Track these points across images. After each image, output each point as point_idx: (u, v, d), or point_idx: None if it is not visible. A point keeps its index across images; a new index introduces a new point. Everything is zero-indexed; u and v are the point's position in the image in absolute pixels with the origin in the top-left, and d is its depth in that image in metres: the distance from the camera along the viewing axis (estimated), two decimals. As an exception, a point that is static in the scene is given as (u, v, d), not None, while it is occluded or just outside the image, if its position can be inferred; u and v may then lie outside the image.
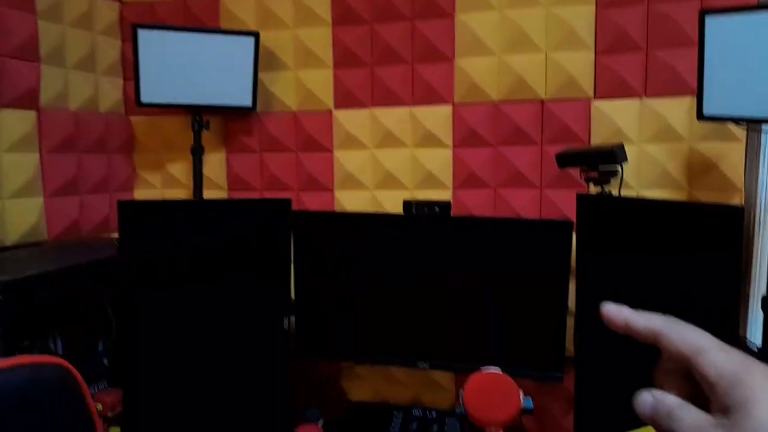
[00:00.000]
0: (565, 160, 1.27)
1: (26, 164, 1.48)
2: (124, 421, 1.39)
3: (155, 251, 1.31)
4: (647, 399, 0.40)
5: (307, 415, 1.54)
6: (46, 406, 0.55)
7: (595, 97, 1.47)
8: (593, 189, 1.30)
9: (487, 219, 1.42)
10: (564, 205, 1.49)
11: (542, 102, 1.51)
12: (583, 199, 1.22)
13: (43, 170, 1.53)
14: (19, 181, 1.46)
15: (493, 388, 0.82)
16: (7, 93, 1.41)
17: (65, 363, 0.58)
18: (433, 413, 1.41)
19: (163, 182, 1.85)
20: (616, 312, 0.42)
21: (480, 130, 1.55)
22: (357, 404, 1.58)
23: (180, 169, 1.82)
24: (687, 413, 0.38)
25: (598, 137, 1.47)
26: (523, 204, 1.54)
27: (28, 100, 1.47)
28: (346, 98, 1.65)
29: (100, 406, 1.35)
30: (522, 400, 0.81)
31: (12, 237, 1.46)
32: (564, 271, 1.28)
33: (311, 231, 1.41)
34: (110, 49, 1.75)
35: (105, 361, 1.45)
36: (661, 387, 0.41)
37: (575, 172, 1.41)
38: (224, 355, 1.36)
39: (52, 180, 1.55)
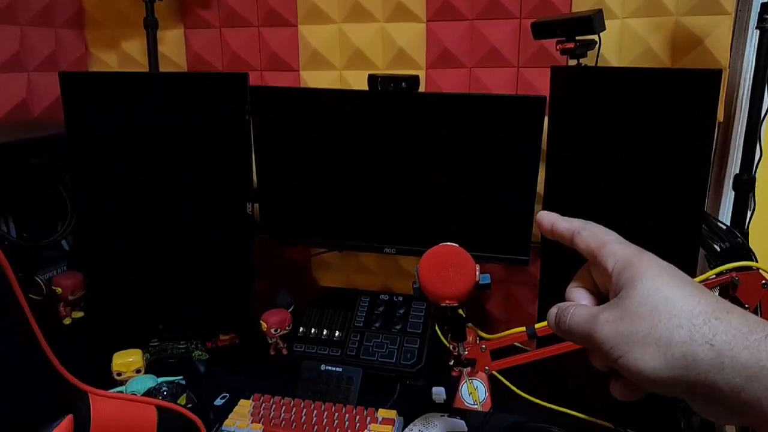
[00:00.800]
0: (540, 28, 1.18)
1: (-39, 35, 1.37)
2: (86, 305, 1.38)
3: (104, 128, 1.24)
4: (552, 311, 0.44)
5: (277, 300, 1.54)
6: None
7: (579, -35, 1.35)
8: (571, 63, 1.22)
9: (454, 95, 1.35)
10: (542, 86, 1.41)
11: (522, -30, 1.39)
12: (557, 72, 1.15)
13: (-19, 43, 1.41)
14: (-46, 54, 1.35)
15: (447, 261, 0.78)
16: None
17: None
18: (400, 297, 1.41)
19: (118, 61, 1.73)
20: (545, 216, 0.47)
21: (455, 2, 1.44)
22: (326, 290, 1.57)
23: (135, 47, 1.69)
24: (579, 309, 0.42)
25: (579, 10, 1.36)
26: (498, 85, 1.46)
27: (-47, -40, 1.33)
28: (310, -36, 1.51)
29: (59, 290, 1.33)
30: (478, 274, 0.77)
31: (-47, 115, 1.37)
32: (535, 151, 1.23)
33: (271, 110, 1.33)
34: None
35: (64, 244, 1.42)
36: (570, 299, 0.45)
37: (554, 50, 1.32)
38: (187, 240, 1.33)
39: (-7, 55, 1.44)
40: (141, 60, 1.69)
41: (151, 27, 1.52)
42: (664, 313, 0.35)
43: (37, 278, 1.29)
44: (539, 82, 1.43)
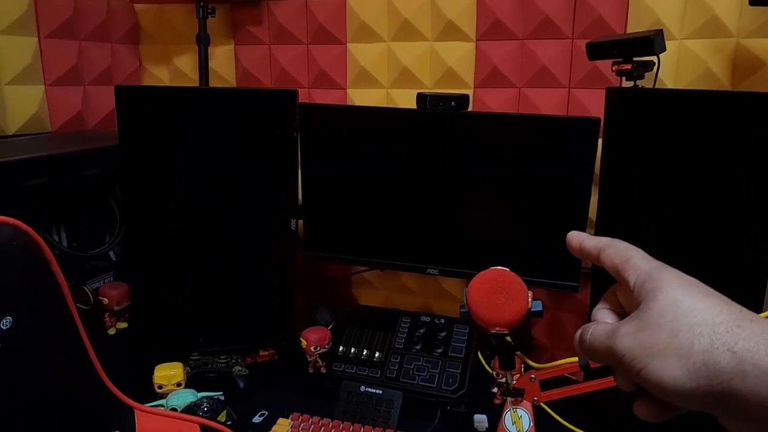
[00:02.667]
0: (596, 49, 1.14)
1: (24, 48, 1.41)
2: (130, 316, 1.39)
3: (155, 142, 1.25)
4: (577, 332, 0.44)
5: (317, 317, 1.53)
6: (4, 264, 0.51)
7: (635, -15, 1.32)
8: (626, 85, 1.18)
9: (505, 115, 1.32)
10: (594, 107, 1.38)
11: (576, -11, 1.36)
12: (613, 93, 1.11)
13: (42, 56, 1.46)
14: (17, 67, 1.40)
15: (498, 286, 0.75)
16: (-2, -32, 1.32)
17: (23, 225, 0.53)
18: (442, 320, 1.38)
19: (170, 76, 1.77)
20: (574, 235, 0.48)
21: (505, 21, 1.42)
22: (366, 309, 1.55)
23: (187, 62, 1.73)
24: (599, 325, 0.41)
25: (635, 31, 1.33)
26: (549, 105, 1.43)
27: (21, -22, 1.38)
28: (359, -17, 1.52)
29: (105, 300, 1.35)
30: (530, 301, 0.74)
31: (13, 126, 1.41)
32: (587, 174, 1.19)
33: (319, 127, 1.33)
34: (110, -73, 1.63)
35: (112, 255, 1.44)
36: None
37: (608, 71, 1.29)
38: (231, 254, 1.33)
39: (53, 68, 1.48)
40: (192, 75, 1.72)
41: (203, 43, 1.55)
42: (685, 322, 0.35)
43: (84, 288, 1.31)
44: (591, 103, 1.39)
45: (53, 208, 1.24)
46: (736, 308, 0.36)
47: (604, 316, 0.45)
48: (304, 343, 1.33)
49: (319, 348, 1.34)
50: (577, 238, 0.47)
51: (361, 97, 1.59)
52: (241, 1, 1.61)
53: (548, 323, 1.53)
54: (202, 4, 1.52)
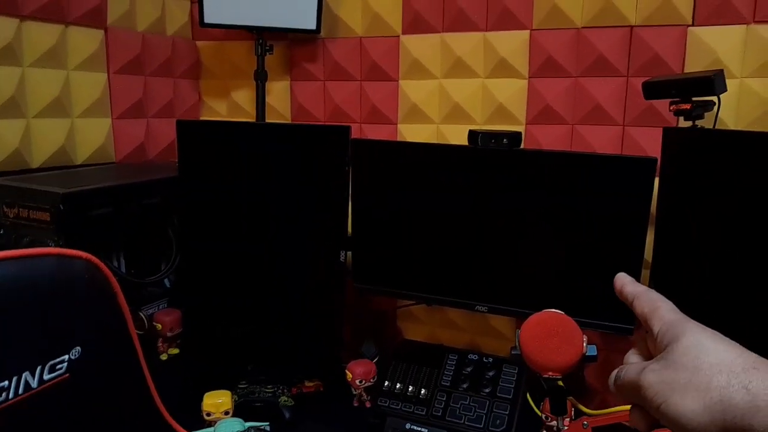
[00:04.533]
0: (653, 88, 1.13)
1: (95, 84, 1.50)
2: (182, 343, 1.43)
3: (212, 174, 1.30)
4: (614, 371, 0.47)
5: (362, 350, 1.53)
6: (76, 296, 0.53)
7: (693, 23, 1.30)
8: (683, 125, 1.16)
9: (558, 153, 1.31)
10: (649, 145, 1.36)
11: (631, 28, 1.35)
12: (670, 133, 1.09)
13: (111, 91, 1.54)
14: (88, 101, 1.48)
15: (553, 330, 0.74)
16: (74, 9, 1.41)
17: (94, 258, 0.56)
18: (490, 359, 1.35)
19: (228, 110, 1.83)
20: (620, 278, 0.50)
21: (559, 59, 1.42)
22: (411, 343, 1.54)
23: (244, 97, 1.79)
24: (630, 366, 0.44)
25: (694, 69, 1.31)
26: (602, 143, 1.41)
27: (95, 17, 1.47)
28: (414, 22, 1.55)
29: (159, 326, 1.39)
30: (585, 345, 0.73)
31: (81, 156, 1.49)
32: (643, 215, 1.16)
33: (371, 162, 1.35)
34: (177, -30, 1.73)
35: (166, 282, 1.48)
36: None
37: (664, 109, 1.27)
38: (280, 284, 1.36)
39: (120, 101, 1.56)
40: (248, 109, 1.78)
41: (260, 79, 1.61)
42: (706, 361, 0.38)
43: (140, 313, 1.35)
44: (646, 142, 1.37)
45: (115, 236, 1.29)
46: (753, 355, 0.38)
47: (635, 359, 0.48)
48: (349, 375, 1.33)
49: (364, 381, 1.33)
50: (621, 280, 0.50)
51: (411, 132, 1.61)
52: (298, 39, 1.67)
53: (600, 366, 1.48)
54: (261, 41, 1.58)
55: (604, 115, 1.40)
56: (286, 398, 1.31)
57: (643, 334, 0.48)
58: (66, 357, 0.52)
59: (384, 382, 1.34)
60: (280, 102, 1.75)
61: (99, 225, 1.18)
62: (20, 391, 0.49)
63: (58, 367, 0.51)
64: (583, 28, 1.40)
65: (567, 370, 0.78)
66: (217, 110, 1.84)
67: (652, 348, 0.45)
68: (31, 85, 1.35)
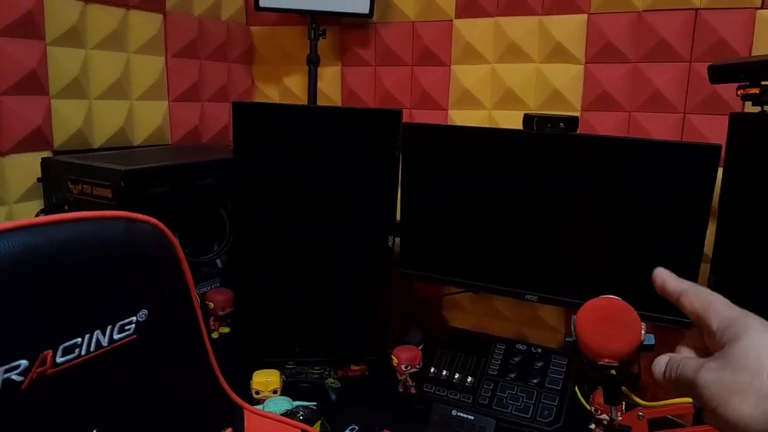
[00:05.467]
0: (720, 72, 1.08)
1: (153, 67, 1.54)
2: (233, 322, 1.46)
3: (266, 156, 1.32)
4: (662, 359, 0.47)
5: (408, 337, 1.53)
6: (143, 259, 0.55)
7: (762, 6, 1.24)
8: (751, 110, 1.11)
9: (617, 138, 1.27)
10: (712, 133, 1.30)
11: (696, 11, 1.30)
12: (737, 119, 1.04)
13: (168, 74, 1.57)
14: (146, 83, 1.52)
15: (611, 316, 0.72)
16: (135, -7, 1.45)
17: (160, 224, 0.57)
18: (539, 349, 1.34)
19: (279, 94, 1.85)
20: (659, 273, 0.50)
21: (618, 44, 1.38)
22: (458, 332, 1.53)
23: (296, 82, 1.81)
24: (686, 361, 0.43)
25: (762, 54, 1.25)
26: (662, 130, 1.37)
27: (155, 2, 1.50)
28: (468, 5, 1.53)
29: (211, 305, 1.42)
30: (643, 333, 0.71)
31: (139, 138, 1.53)
32: (704, 206, 1.12)
33: (421, 146, 1.34)
34: (233, -46, 1.75)
35: (218, 262, 1.51)
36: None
37: (729, 94, 1.21)
38: (329, 268, 1.37)
39: (176, 85, 1.60)
40: (299, 94, 1.80)
41: (313, 64, 1.62)
42: (767, 365, 0.36)
43: (193, 291, 1.38)
44: (708, 130, 1.32)
45: (171, 215, 1.32)
46: None
47: (687, 353, 0.47)
48: (395, 361, 1.33)
49: (409, 367, 1.33)
50: (660, 276, 0.50)
51: (462, 117, 1.59)
52: (350, 23, 1.67)
53: (652, 358, 1.44)
54: (314, 25, 1.59)
55: (664, 101, 1.36)
56: (332, 380, 1.33)
57: (692, 330, 0.47)
58: (134, 318, 0.53)
59: (430, 369, 1.33)
60: (331, 87, 1.76)
61: (156, 203, 1.21)
62: (92, 348, 0.51)
63: (127, 327, 0.53)
64: (644, 11, 1.35)
65: (624, 357, 0.76)
66: (269, 95, 1.86)
67: (710, 343, 0.44)
68: (94, 68, 1.39)
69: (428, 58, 1.60)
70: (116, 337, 0.52)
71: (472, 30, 1.53)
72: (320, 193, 1.33)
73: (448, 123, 1.61)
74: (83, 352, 0.50)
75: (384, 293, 1.39)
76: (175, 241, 0.58)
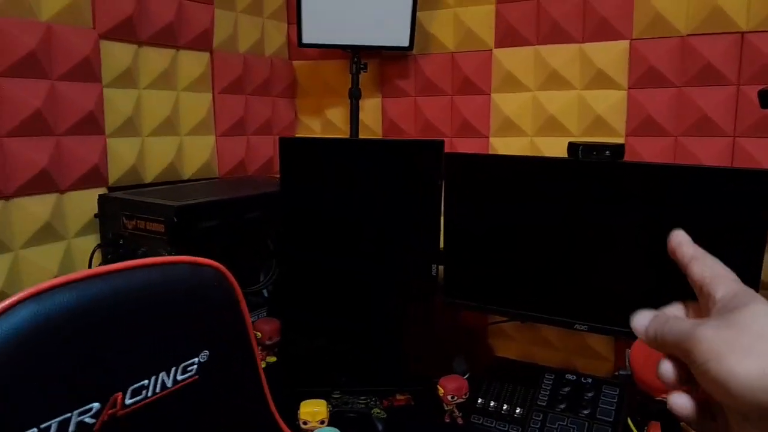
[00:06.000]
0: (772, 97, 1.06)
1: (201, 103, 1.59)
2: (280, 351, 1.47)
3: (312, 188, 1.34)
4: (645, 313, 0.44)
5: (453, 366, 1.52)
6: (206, 302, 0.57)
7: (814, 27, 1.21)
8: (807, 135, 1.08)
9: (666, 166, 1.25)
10: (764, 157, 1.28)
11: (742, 34, 1.28)
12: (793, 144, 1.02)
13: (215, 110, 1.63)
14: (195, 119, 1.57)
15: (667, 350, 0.70)
16: (185, 34, 1.51)
17: (222, 266, 0.59)
18: (589, 379, 1.30)
19: (322, 127, 1.89)
20: (677, 234, 0.47)
21: (662, 69, 1.36)
22: (505, 361, 1.51)
23: (338, 114, 1.84)
24: (681, 319, 0.41)
25: (817, 75, 1.22)
26: (710, 155, 1.34)
27: (202, 41, 1.56)
28: (507, 35, 1.54)
29: (259, 334, 1.44)
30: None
31: (188, 172, 1.58)
32: (760, 233, 1.09)
33: (464, 175, 1.35)
34: (276, -7, 1.81)
35: (265, 292, 1.54)
36: None
37: (781, 118, 1.19)
38: (374, 297, 1.37)
39: (223, 120, 1.65)
40: (341, 126, 1.83)
41: (354, 97, 1.65)
42: None
43: (241, 321, 1.41)
44: (761, 154, 1.29)
45: (219, 247, 1.36)
46: None
47: (680, 314, 0.45)
48: (441, 390, 1.32)
49: (456, 398, 1.32)
50: (677, 238, 0.47)
51: (504, 145, 1.59)
52: (390, 56, 1.70)
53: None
54: (356, 59, 1.62)
55: (712, 125, 1.33)
56: (378, 410, 1.32)
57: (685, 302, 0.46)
58: (196, 359, 0.55)
59: (477, 399, 1.32)
60: (372, 118, 1.79)
61: (206, 236, 1.25)
62: (157, 390, 0.52)
63: (189, 369, 0.55)
64: (687, 35, 1.34)
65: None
66: (312, 127, 1.90)
67: (707, 312, 0.43)
68: (146, 106, 1.45)
69: (468, 87, 1.62)
70: (179, 378, 0.54)
71: (512, 59, 1.54)
72: (364, 223, 1.35)
73: (490, 150, 1.61)
74: (150, 394, 0.52)
75: (428, 322, 1.39)
76: (235, 283, 0.60)
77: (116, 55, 1.36)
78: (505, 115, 1.57)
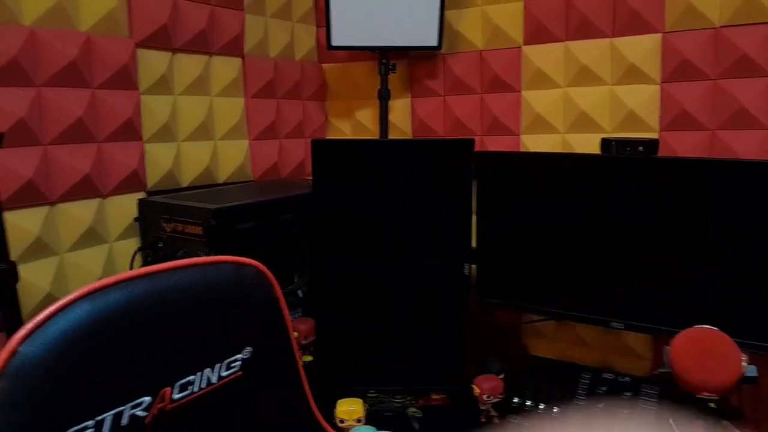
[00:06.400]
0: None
1: (234, 108, 1.62)
2: (315, 350, 1.49)
3: (344, 189, 1.35)
4: None
5: (488, 365, 1.51)
6: (248, 300, 0.58)
7: None
8: None
9: (702, 160, 1.23)
10: (804, 149, 1.24)
11: (780, 24, 1.25)
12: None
13: (248, 114, 1.66)
14: (229, 124, 1.61)
15: (709, 347, 0.70)
16: (218, 40, 1.54)
17: (262, 266, 0.60)
18: (626, 378, 1.29)
19: (351, 128, 1.91)
20: None
21: (696, 62, 1.34)
22: (540, 360, 1.50)
23: (367, 116, 1.86)
24: None
25: None
26: (748, 149, 1.31)
27: (234, 47, 1.59)
28: (536, 32, 1.53)
29: (296, 334, 1.45)
30: (745, 365, 0.68)
31: (223, 175, 1.61)
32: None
33: (496, 174, 1.35)
34: (305, -3, 1.84)
35: (300, 293, 1.56)
36: None
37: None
38: (407, 296, 1.38)
39: (256, 124, 1.68)
40: (370, 127, 1.85)
41: (384, 98, 1.66)
42: None
43: (276, 322, 1.43)
44: (802, 146, 1.25)
45: (254, 249, 1.38)
46: None
47: None
48: (476, 390, 1.32)
49: (492, 397, 1.31)
50: None
51: (534, 142, 1.58)
52: (418, 56, 1.71)
53: (752, 390, 1.36)
54: (384, 61, 1.63)
55: (750, 118, 1.30)
56: (414, 410, 1.33)
57: None
58: (240, 356, 0.57)
59: (513, 398, 1.31)
60: (402, 119, 1.79)
61: (242, 238, 1.27)
62: (203, 385, 0.54)
63: (233, 365, 0.56)
64: (721, 27, 1.31)
65: (724, 390, 0.74)
66: (342, 129, 1.92)
67: None
68: (181, 112, 1.49)
69: (498, 85, 1.61)
70: (224, 374, 0.55)
71: (542, 55, 1.53)
72: (395, 223, 1.36)
73: (521, 148, 1.60)
74: (196, 389, 0.53)
75: (461, 321, 1.39)
76: (275, 282, 0.61)
77: (152, 62, 1.40)
78: (536, 112, 1.56)
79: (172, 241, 1.27)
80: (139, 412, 0.50)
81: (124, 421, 0.48)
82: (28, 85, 1.17)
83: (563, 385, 1.31)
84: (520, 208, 1.33)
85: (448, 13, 1.61)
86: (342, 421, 1.23)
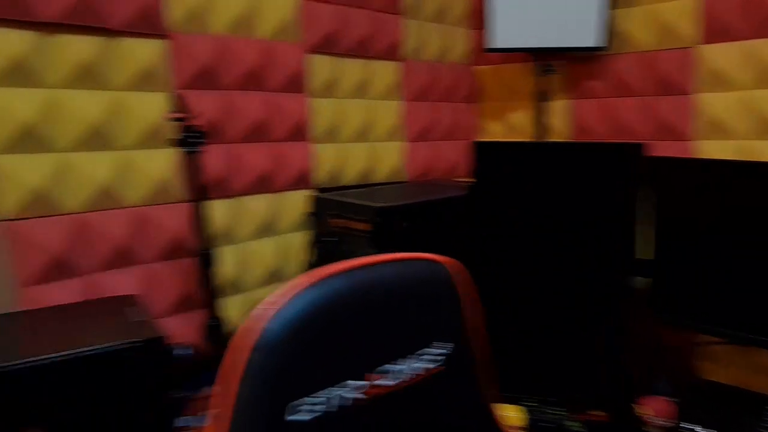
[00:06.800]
0: None
1: (393, 111, 1.67)
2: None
3: (502, 191, 1.34)
4: None
5: (655, 386, 1.41)
6: (447, 296, 0.59)
7: None
8: None
9: None
10: None
11: None
12: None
13: (405, 117, 1.70)
14: (387, 126, 1.66)
15: None
16: (378, 45, 1.60)
17: (458, 263, 0.61)
18: (817, 411, 1.15)
19: (504, 131, 1.88)
20: None
21: None
22: (714, 386, 1.38)
23: (521, 118, 1.82)
24: None
25: None
26: None
27: (393, 51, 1.64)
28: (714, 30, 1.41)
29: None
30: None
31: (380, 176, 1.66)
32: None
33: (677, 181, 1.26)
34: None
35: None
36: None
37: None
38: (566, 304, 1.33)
39: (412, 126, 1.71)
40: (523, 129, 1.81)
41: (541, 99, 1.62)
42: None
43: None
44: None
45: (412, 248, 1.41)
46: None
47: None
48: (644, 411, 1.24)
49: (660, 420, 1.23)
50: None
51: (709, 149, 1.46)
52: (577, 57, 1.64)
53: None
54: (542, 62, 1.59)
55: None
56: (576, 424, 1.28)
57: None
58: (444, 351, 0.57)
59: (680, 423, 1.22)
60: (558, 121, 1.74)
61: (401, 237, 1.30)
62: (407, 375, 0.56)
63: (438, 358, 0.57)
64: None
65: None
66: (494, 131, 1.90)
67: None
68: (345, 114, 1.56)
69: (666, 87, 1.51)
70: (428, 366, 0.56)
71: (720, 55, 1.41)
72: (555, 227, 1.31)
73: (692, 155, 1.48)
74: (401, 378, 0.55)
75: (626, 336, 1.31)
76: (470, 278, 0.61)
77: (321, 67, 1.47)
78: (711, 116, 1.44)
79: (338, 236, 1.33)
80: (348, 394, 0.52)
81: (335, 401, 0.51)
82: (218, 88, 1.28)
83: (743, 414, 1.19)
84: (704, 220, 1.23)
85: (613, 13, 1.53)
86: (502, 428, 1.21)
